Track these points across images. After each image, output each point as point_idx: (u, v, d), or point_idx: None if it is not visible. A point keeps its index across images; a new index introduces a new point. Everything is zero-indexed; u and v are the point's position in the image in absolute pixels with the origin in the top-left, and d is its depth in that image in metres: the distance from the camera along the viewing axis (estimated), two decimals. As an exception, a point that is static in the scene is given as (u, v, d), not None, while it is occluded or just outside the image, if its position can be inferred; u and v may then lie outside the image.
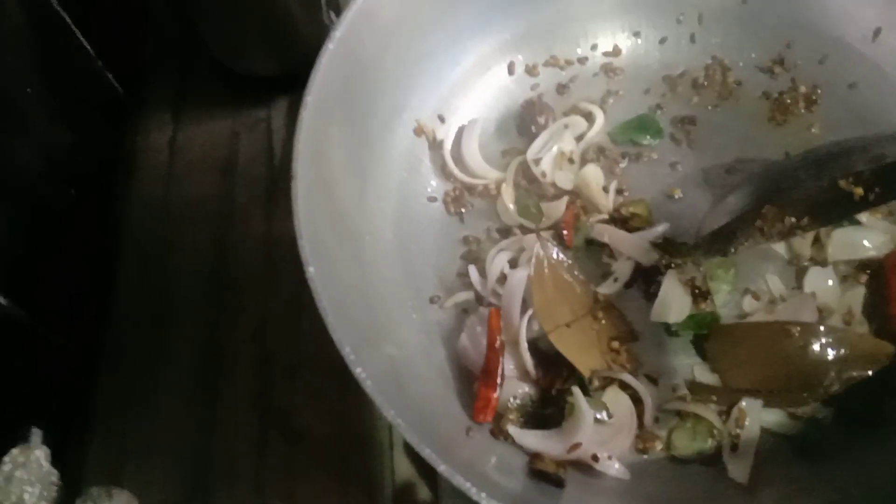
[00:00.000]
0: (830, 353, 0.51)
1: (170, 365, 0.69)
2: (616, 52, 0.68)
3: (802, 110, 0.64)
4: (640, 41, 0.68)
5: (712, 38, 0.66)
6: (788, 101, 0.65)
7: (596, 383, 0.54)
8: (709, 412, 0.53)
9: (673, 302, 0.57)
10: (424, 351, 0.55)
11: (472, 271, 0.59)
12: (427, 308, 0.58)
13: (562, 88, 0.67)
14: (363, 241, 0.55)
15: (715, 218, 0.57)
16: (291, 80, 0.75)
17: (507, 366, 0.54)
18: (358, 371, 0.41)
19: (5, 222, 0.60)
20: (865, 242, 0.58)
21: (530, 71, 0.67)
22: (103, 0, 0.76)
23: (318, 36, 0.72)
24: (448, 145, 0.64)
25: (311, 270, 0.44)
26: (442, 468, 0.40)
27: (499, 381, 0.53)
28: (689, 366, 0.56)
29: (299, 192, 0.47)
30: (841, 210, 0.56)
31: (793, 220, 0.56)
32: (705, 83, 0.66)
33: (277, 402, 0.66)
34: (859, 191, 0.54)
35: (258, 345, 0.69)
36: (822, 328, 0.52)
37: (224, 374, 0.68)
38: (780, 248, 0.59)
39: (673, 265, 0.58)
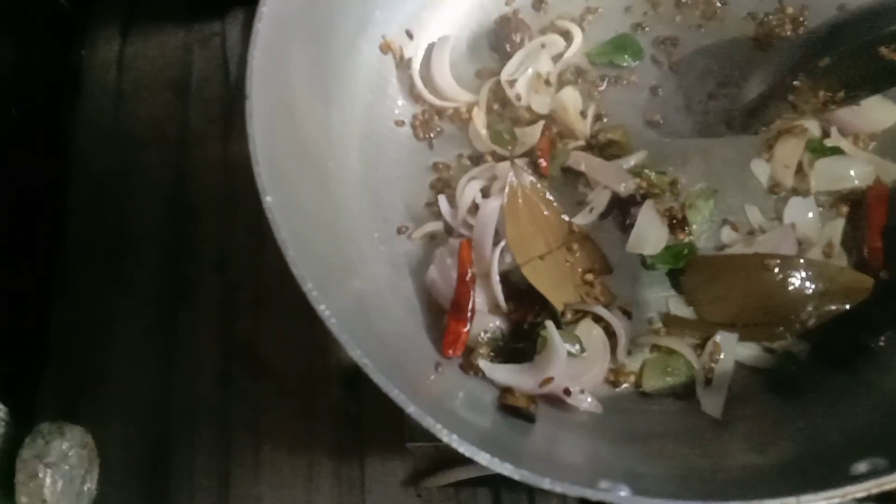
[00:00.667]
0: (809, 287, 0.50)
1: (127, 294, 0.67)
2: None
3: (789, 32, 0.61)
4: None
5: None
6: (775, 22, 0.62)
7: (569, 316, 0.53)
8: (683, 346, 0.52)
9: (650, 233, 0.55)
10: (392, 284, 0.53)
11: (442, 201, 0.56)
12: (395, 239, 0.56)
13: (538, 4, 0.63)
14: (326, 168, 0.51)
15: (747, 92, 0.55)
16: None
17: (478, 299, 0.52)
18: (321, 308, 0.39)
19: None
20: (851, 172, 0.56)
21: (501, -14, 0.63)
22: None
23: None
24: (417, 64, 0.60)
25: (268, 200, 0.41)
26: (411, 409, 0.38)
27: (469, 314, 0.51)
28: (663, 298, 0.54)
29: (254, 113, 0.43)
30: (882, 80, 0.53)
31: (828, 94, 0.54)
32: (689, 2, 0.62)
33: (241, 334, 0.64)
34: None
35: (220, 274, 0.67)
36: (801, 261, 0.51)
37: (185, 304, 0.66)
38: (762, 175, 0.57)
39: (651, 195, 0.56)
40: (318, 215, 0.48)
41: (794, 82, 0.53)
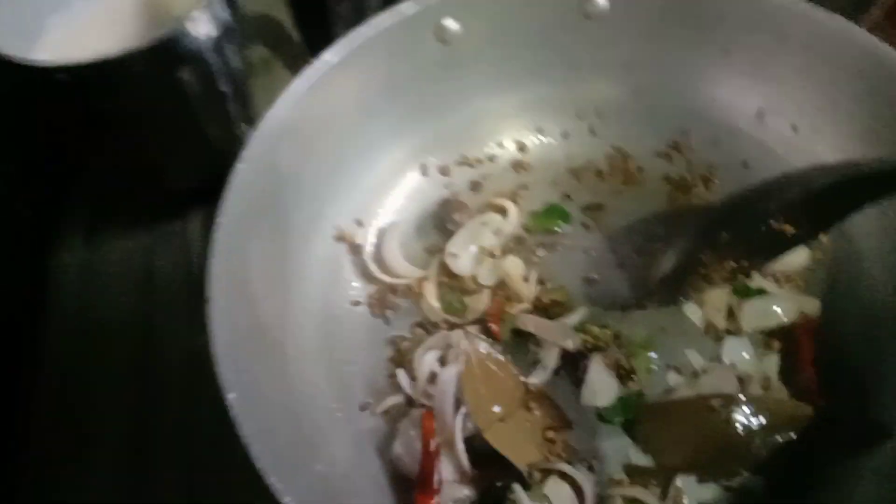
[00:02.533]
0: (753, 421, 0.53)
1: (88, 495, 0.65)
2: (522, 148, 0.71)
3: (702, 190, 0.68)
4: (543, 137, 0.71)
5: (611, 129, 0.70)
6: (688, 181, 0.69)
7: (535, 476, 0.54)
8: (648, 495, 0.54)
9: (600, 385, 0.58)
10: (358, 463, 0.54)
11: (401, 374, 0.58)
12: (358, 417, 0.57)
13: (475, 185, 0.69)
14: (286, 356, 0.54)
15: (660, 269, 0.61)
16: (204, 190, 0.75)
17: (445, 469, 0.53)
18: (286, 501, 0.40)
19: None
20: (776, 309, 0.61)
21: (443, 171, 0.69)
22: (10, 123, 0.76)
23: (230, 146, 0.73)
24: (368, 248, 0.65)
25: (231, 396, 0.43)
26: None
27: (436, 486, 0.52)
28: (623, 448, 0.56)
29: (215, 314, 0.46)
30: (776, 248, 0.59)
31: (734, 264, 0.59)
32: (609, 171, 0.69)
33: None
34: (789, 228, 0.57)
35: (187, 468, 0.66)
36: (742, 398, 0.54)
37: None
38: (696, 320, 0.61)
39: (597, 348, 0.59)
40: (280, 403, 0.50)
41: (701, 256, 0.59)
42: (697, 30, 0.65)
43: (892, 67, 0.58)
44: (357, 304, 0.63)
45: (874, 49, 0.59)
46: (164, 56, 0.60)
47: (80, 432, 0.68)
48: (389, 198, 0.67)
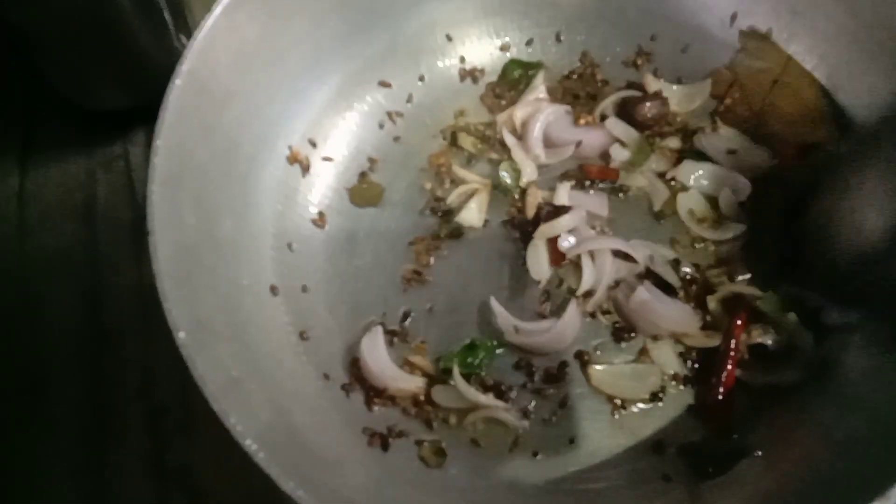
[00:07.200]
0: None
1: (48, 435, 0.63)
2: (481, 58, 0.67)
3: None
4: (505, 45, 0.67)
5: (578, 35, 0.66)
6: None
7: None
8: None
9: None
10: (320, 398, 0.52)
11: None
12: (319, 347, 0.55)
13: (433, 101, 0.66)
14: (241, 288, 0.51)
15: None
16: (146, 110, 0.70)
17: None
18: (248, 443, 0.38)
19: None
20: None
21: (401, 86, 0.65)
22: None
23: (169, 62, 0.68)
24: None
25: (181, 335, 0.41)
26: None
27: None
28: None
29: (159, 247, 0.43)
30: None
31: None
32: (576, 85, 0.66)
33: (174, 461, 0.62)
34: None
35: (146, 400, 0.64)
36: None
37: (111, 436, 0.63)
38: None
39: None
40: (235, 339, 0.47)
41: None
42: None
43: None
44: (320, 223, 0.60)
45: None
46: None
47: (28, 372, 0.66)
48: (344, 116, 0.63)
